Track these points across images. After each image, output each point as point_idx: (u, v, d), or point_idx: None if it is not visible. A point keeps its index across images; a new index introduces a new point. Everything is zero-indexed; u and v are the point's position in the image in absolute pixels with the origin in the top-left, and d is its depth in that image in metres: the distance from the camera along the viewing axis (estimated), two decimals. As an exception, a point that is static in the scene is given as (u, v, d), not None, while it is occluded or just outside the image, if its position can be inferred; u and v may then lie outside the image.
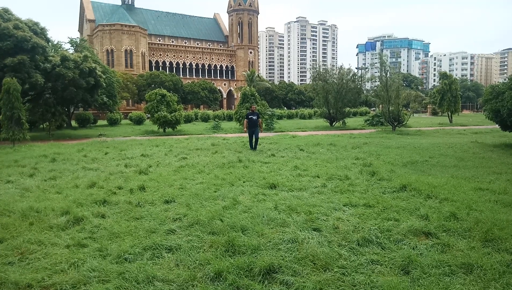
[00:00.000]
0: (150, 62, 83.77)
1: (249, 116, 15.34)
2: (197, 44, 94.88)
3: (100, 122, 43.05)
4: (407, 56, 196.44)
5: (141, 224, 5.73)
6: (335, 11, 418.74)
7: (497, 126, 17.90)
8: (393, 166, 10.54)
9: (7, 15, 23.88)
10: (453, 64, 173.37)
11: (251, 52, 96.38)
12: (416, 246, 4.72)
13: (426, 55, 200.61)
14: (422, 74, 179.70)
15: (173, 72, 79.11)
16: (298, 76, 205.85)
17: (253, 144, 15.23)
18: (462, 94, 57.90)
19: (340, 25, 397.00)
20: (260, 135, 15.47)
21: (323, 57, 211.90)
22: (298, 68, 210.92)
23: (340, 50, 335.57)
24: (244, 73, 75.74)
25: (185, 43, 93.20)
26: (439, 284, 3.80)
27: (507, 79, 16.52)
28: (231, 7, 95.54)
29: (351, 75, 33.56)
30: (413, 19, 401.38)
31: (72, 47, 53.90)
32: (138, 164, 11.49)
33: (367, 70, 44.24)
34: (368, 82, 37.40)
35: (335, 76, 33.82)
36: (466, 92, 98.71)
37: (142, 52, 79.02)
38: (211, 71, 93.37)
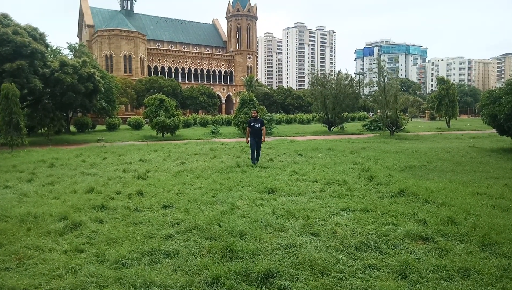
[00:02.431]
0: (149, 67, 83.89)
1: (251, 124, 12.47)
2: (196, 49, 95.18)
3: (98, 127, 42.98)
4: (405, 61, 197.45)
5: (139, 229, 5.72)
6: (333, 16, 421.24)
7: (494, 130, 17.96)
8: (391, 170, 10.55)
9: (6, 20, 23.96)
10: (450, 69, 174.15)
11: (249, 58, 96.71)
12: (414, 251, 4.74)
13: (424, 60, 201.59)
14: (420, 79, 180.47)
15: (172, 77, 79.17)
16: (296, 81, 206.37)
17: (255, 157, 12.48)
18: (460, 99, 58.14)
19: (338, 31, 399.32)
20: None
21: (321, 62, 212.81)
22: (296, 73, 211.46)
23: (338, 55, 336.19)
24: (243, 78, 76.00)
25: (184, 48, 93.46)
26: (436, 289, 3.81)
27: (504, 84, 16.61)
28: (230, 12, 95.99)
29: (349, 80, 33.71)
30: (410, 24, 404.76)
31: (71, 53, 54.12)
32: (136, 169, 11.48)
33: (365, 75, 44.35)
34: (366, 87, 37.55)
35: (333, 81, 33.95)
36: (463, 97, 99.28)
37: (141, 57, 79.17)
38: (209, 76, 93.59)
